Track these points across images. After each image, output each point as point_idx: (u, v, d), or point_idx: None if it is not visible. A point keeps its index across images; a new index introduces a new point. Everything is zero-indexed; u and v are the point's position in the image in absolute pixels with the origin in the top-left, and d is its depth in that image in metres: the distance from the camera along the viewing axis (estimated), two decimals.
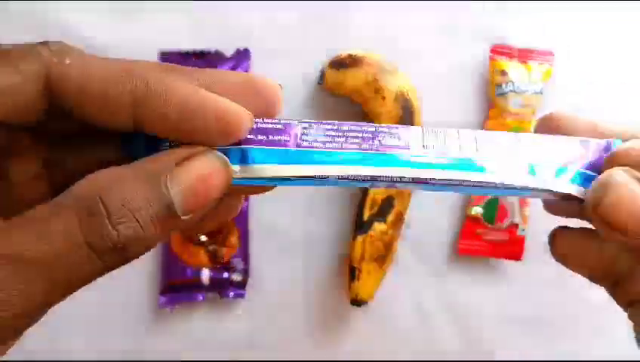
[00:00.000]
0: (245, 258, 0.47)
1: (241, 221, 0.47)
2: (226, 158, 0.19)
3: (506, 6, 0.48)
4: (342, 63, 0.45)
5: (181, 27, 0.47)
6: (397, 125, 0.22)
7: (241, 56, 0.46)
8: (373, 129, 0.22)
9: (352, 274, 0.45)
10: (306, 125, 0.21)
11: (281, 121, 0.21)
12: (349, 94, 0.45)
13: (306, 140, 0.21)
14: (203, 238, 0.47)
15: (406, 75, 0.45)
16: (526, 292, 0.49)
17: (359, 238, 0.45)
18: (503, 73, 0.47)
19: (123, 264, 0.18)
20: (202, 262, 0.47)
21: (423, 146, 0.22)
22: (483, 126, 0.48)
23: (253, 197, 0.47)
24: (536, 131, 0.25)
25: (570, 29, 0.48)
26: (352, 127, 0.22)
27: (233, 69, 0.46)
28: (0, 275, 0.16)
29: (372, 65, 0.45)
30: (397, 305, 0.49)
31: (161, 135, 0.19)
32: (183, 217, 0.18)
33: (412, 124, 0.44)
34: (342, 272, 0.48)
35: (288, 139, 0.21)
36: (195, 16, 0.47)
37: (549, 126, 0.24)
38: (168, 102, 0.18)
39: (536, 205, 0.47)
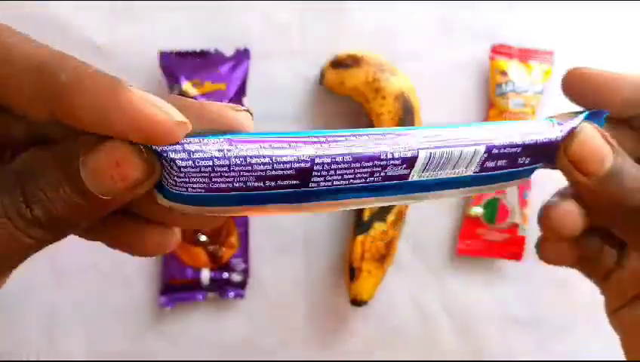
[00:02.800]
0: (245, 258, 0.47)
1: (241, 221, 0.47)
2: (141, 147, 0.17)
3: (506, 6, 0.48)
4: (342, 63, 0.45)
5: (181, 27, 0.47)
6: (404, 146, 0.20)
7: (241, 56, 0.46)
8: (385, 162, 0.20)
9: (352, 274, 0.45)
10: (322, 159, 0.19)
11: (296, 162, 0.19)
12: (349, 94, 0.45)
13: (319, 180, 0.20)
14: (203, 238, 0.47)
15: (406, 74, 0.45)
16: (526, 293, 0.49)
17: (359, 238, 0.45)
18: (503, 73, 0.47)
19: (56, 239, 0.19)
20: (202, 262, 0.47)
21: (424, 171, 0.21)
22: None
23: None
24: (563, 87, 0.27)
25: (570, 29, 0.48)
26: (365, 162, 0.20)
27: (233, 68, 0.46)
28: None
29: (372, 65, 0.45)
30: (397, 305, 0.49)
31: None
32: (102, 197, 0.18)
33: (412, 124, 0.44)
34: (342, 272, 0.48)
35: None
36: (195, 16, 0.47)
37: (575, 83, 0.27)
38: (81, 104, 0.17)
39: (536, 205, 0.47)
